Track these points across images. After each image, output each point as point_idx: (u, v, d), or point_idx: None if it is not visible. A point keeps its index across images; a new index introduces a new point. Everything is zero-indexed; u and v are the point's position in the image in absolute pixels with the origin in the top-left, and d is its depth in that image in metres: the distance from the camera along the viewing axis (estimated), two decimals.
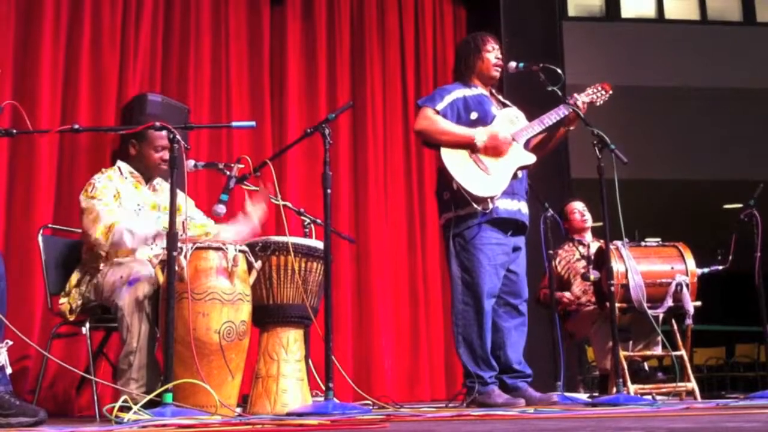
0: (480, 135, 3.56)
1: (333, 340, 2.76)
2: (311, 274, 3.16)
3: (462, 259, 3.59)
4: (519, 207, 3.66)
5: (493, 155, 3.56)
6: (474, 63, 3.76)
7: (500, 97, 3.85)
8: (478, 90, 3.75)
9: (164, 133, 2.97)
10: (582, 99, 3.70)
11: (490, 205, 3.51)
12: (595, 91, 3.76)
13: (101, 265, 3.22)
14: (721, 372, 10.85)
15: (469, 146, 3.56)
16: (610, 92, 3.78)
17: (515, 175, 3.61)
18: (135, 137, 3.39)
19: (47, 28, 4.72)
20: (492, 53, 3.76)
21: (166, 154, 3.34)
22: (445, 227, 3.66)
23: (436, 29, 6.36)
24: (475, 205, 3.49)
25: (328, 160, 2.88)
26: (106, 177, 3.34)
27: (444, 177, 3.59)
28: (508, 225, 3.63)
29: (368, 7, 6.10)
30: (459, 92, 3.71)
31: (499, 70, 3.78)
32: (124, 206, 3.29)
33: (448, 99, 3.67)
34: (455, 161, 3.54)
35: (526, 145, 3.73)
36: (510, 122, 3.70)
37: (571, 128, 3.75)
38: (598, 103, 3.74)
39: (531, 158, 3.68)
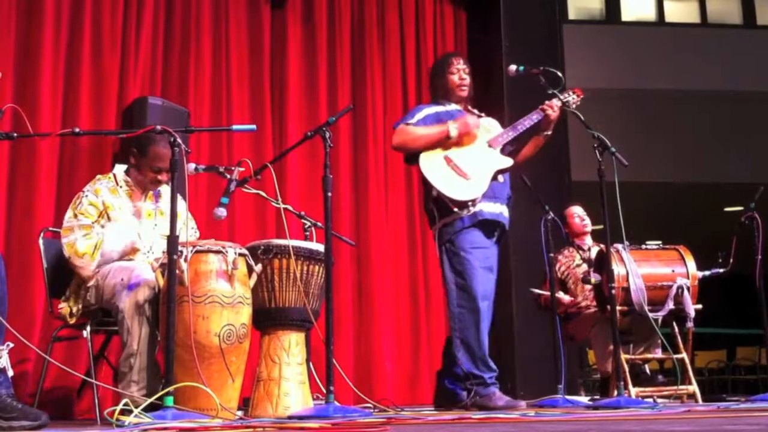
0: (452, 125, 3.67)
1: (334, 343, 2.76)
2: (312, 277, 3.16)
3: (454, 263, 3.66)
4: (501, 210, 3.74)
5: (467, 143, 3.68)
6: (441, 83, 3.89)
7: (476, 111, 3.94)
8: (452, 107, 3.87)
9: (166, 151, 2.97)
10: (555, 103, 3.76)
11: (472, 209, 3.60)
12: (567, 96, 3.83)
13: (101, 269, 3.22)
14: (722, 375, 10.84)
15: (446, 140, 3.65)
16: (582, 96, 3.86)
17: (496, 179, 3.69)
18: (137, 148, 3.34)
19: (48, 31, 4.72)
20: (456, 75, 3.87)
21: (161, 176, 3.32)
22: (437, 238, 3.75)
23: (436, 32, 6.36)
24: (456, 210, 3.57)
25: (329, 163, 2.89)
26: (94, 191, 3.28)
27: (428, 190, 3.68)
28: (493, 227, 3.70)
29: (369, 10, 6.10)
30: (431, 109, 3.84)
31: (466, 89, 3.87)
32: (113, 218, 3.25)
33: (420, 115, 3.80)
34: (434, 170, 3.65)
35: (504, 151, 3.81)
36: (485, 130, 3.82)
37: (548, 133, 3.80)
38: (573, 107, 3.78)
39: (508, 162, 3.77)
